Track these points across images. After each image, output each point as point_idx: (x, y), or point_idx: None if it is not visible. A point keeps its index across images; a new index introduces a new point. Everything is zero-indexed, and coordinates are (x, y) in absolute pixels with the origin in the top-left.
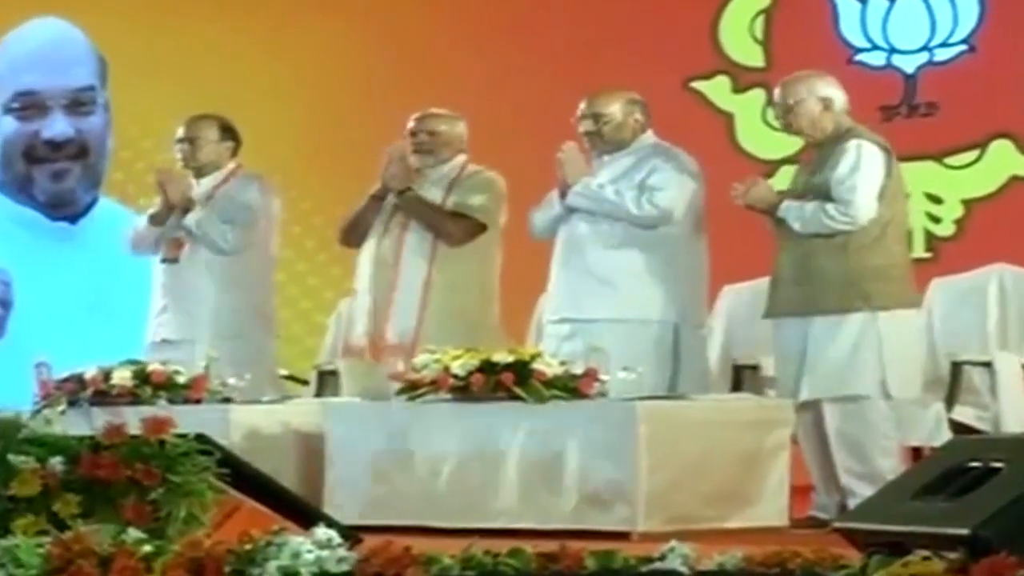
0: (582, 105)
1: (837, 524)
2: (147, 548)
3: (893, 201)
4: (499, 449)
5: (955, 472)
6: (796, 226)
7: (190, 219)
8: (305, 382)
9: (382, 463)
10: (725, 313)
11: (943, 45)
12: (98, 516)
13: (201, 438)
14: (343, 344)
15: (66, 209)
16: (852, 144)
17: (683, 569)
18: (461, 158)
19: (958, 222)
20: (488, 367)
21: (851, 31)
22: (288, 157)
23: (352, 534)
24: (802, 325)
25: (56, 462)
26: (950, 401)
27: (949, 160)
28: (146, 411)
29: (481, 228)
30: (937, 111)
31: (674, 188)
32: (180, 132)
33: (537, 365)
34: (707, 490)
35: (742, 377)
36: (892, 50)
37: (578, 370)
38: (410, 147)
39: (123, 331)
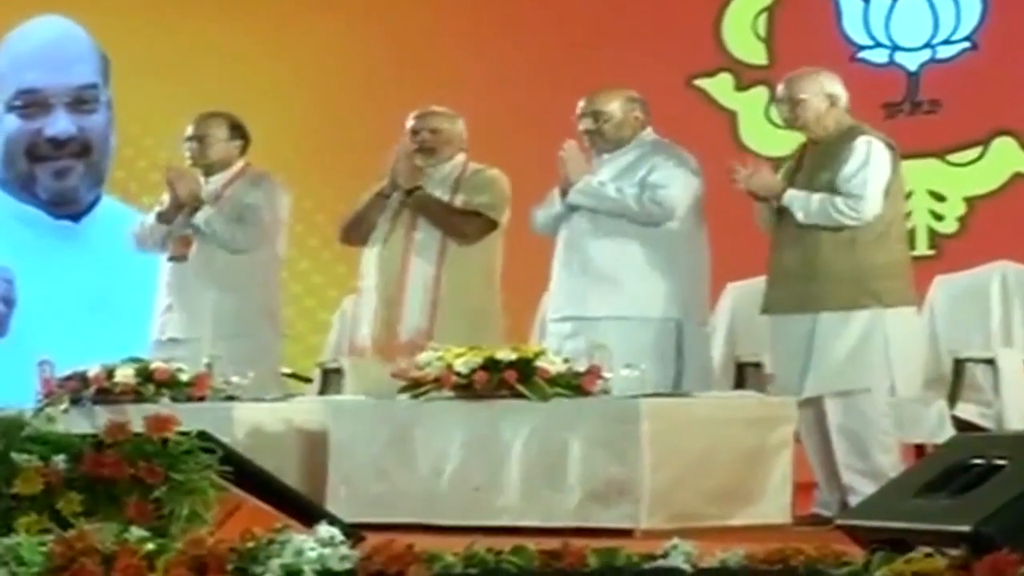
0: (582, 103)
1: (840, 521)
2: (150, 546)
3: (896, 199)
4: (502, 447)
5: (958, 469)
6: (799, 216)
7: (199, 217)
8: (308, 380)
9: (385, 461)
10: (728, 310)
11: (946, 42)
12: (101, 514)
13: (204, 436)
14: (349, 343)
15: (68, 207)
16: (862, 141)
17: (685, 566)
18: (461, 157)
19: (961, 219)
20: (491, 365)
21: (854, 28)
22: (290, 155)
23: (354, 532)
24: (806, 321)
25: (59, 460)
26: (953, 398)
27: (952, 157)
28: (149, 409)
29: (493, 226)
30: (940, 108)
31: (675, 185)
32: (189, 130)
33: (540, 363)
34: (710, 487)
35: (745, 374)
36: (895, 47)
37: (581, 368)
38: (412, 145)
39: (126, 329)
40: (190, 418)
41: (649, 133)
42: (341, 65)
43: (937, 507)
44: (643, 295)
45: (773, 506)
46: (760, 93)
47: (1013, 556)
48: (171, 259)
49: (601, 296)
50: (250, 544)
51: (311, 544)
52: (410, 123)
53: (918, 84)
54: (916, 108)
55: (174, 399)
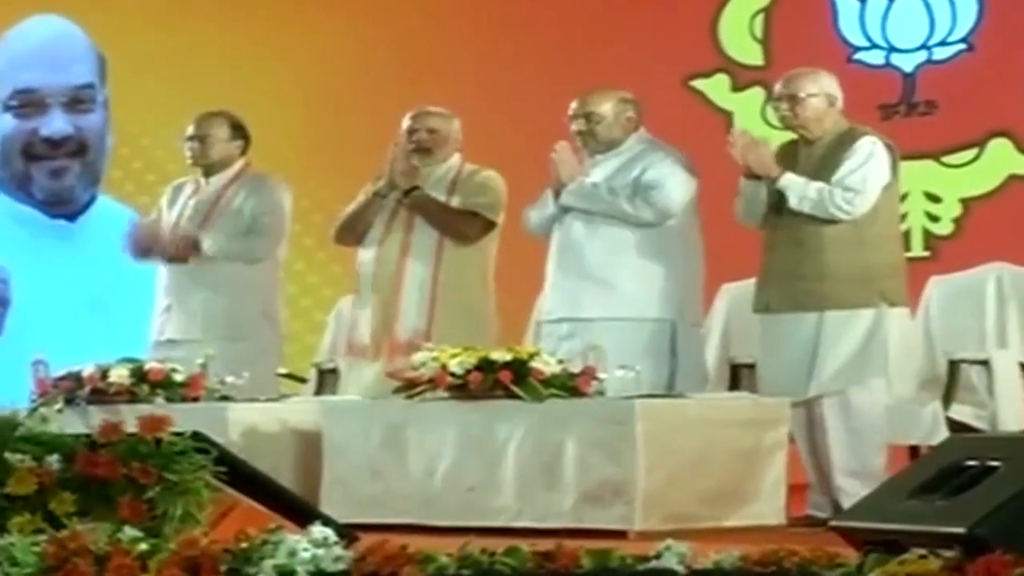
0: (574, 104)
1: (834, 523)
2: (143, 546)
3: (895, 200)
4: (496, 447)
5: (952, 471)
6: (792, 200)
7: (207, 247)
8: (304, 380)
9: (379, 461)
10: (723, 311)
11: (942, 44)
12: (94, 514)
13: (198, 436)
14: (346, 343)
15: (64, 207)
16: (867, 141)
17: (679, 568)
18: (456, 157)
19: (956, 221)
20: (486, 365)
21: (850, 30)
22: (287, 155)
23: (348, 532)
24: (810, 320)
25: (52, 460)
26: (947, 399)
27: (948, 159)
28: (143, 409)
29: (491, 226)
30: (936, 110)
31: (669, 185)
32: (190, 130)
33: (535, 363)
34: (704, 488)
35: (739, 375)
36: (891, 49)
37: (576, 369)
38: (409, 145)
39: (121, 329)
40: (184, 418)
41: (642, 134)
42: (339, 65)
43: (931, 509)
44: (637, 296)
45: (767, 507)
46: (756, 94)
47: (1007, 557)
48: (170, 260)
49: (595, 297)
50: (243, 545)
51: (305, 545)
52: (406, 123)
53: (914, 85)
54: (912, 109)
55: (168, 399)
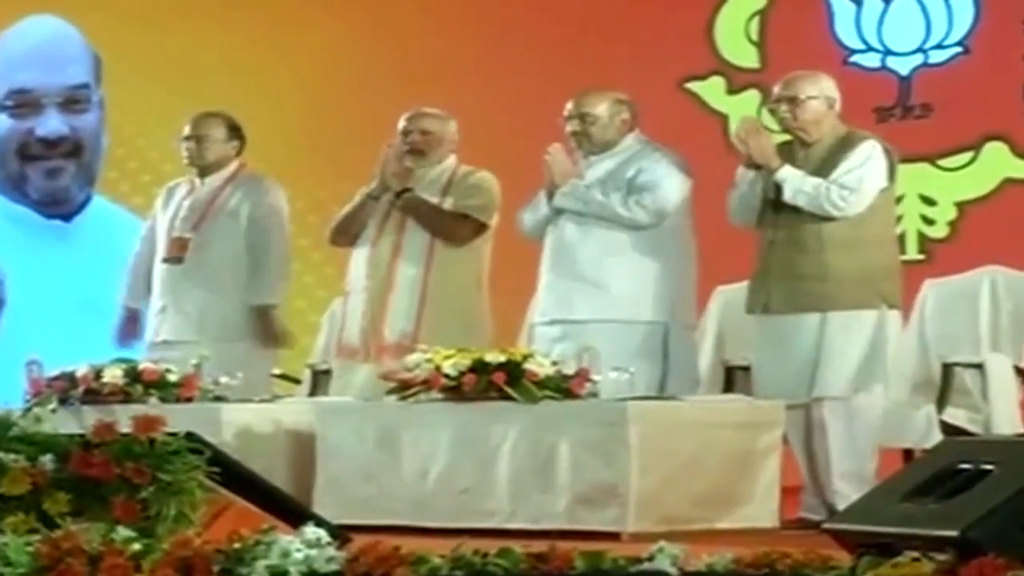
0: (569, 105)
1: (827, 525)
2: (136, 547)
3: (891, 204)
4: (490, 449)
5: (945, 474)
6: (787, 193)
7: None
8: (298, 381)
9: (372, 463)
10: (717, 314)
11: (938, 47)
12: (88, 515)
13: (191, 437)
14: (336, 344)
15: (60, 207)
16: (867, 144)
17: (672, 570)
18: (452, 159)
19: (951, 224)
20: (480, 367)
21: (846, 33)
22: (283, 156)
23: (341, 533)
24: (813, 322)
25: (46, 460)
26: (941, 403)
27: (943, 162)
28: (137, 409)
29: (483, 228)
30: (931, 113)
31: (663, 188)
32: (187, 130)
33: (529, 365)
34: (698, 491)
35: (734, 378)
36: (887, 52)
37: (570, 370)
38: (403, 147)
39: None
40: (178, 419)
41: (637, 135)
42: (335, 64)
43: (925, 512)
44: (630, 298)
45: (760, 510)
46: (752, 96)
47: (999, 561)
48: (166, 261)
49: (588, 299)
50: (236, 545)
51: (298, 545)
52: (401, 124)
53: (910, 89)
54: (908, 113)
55: (162, 400)
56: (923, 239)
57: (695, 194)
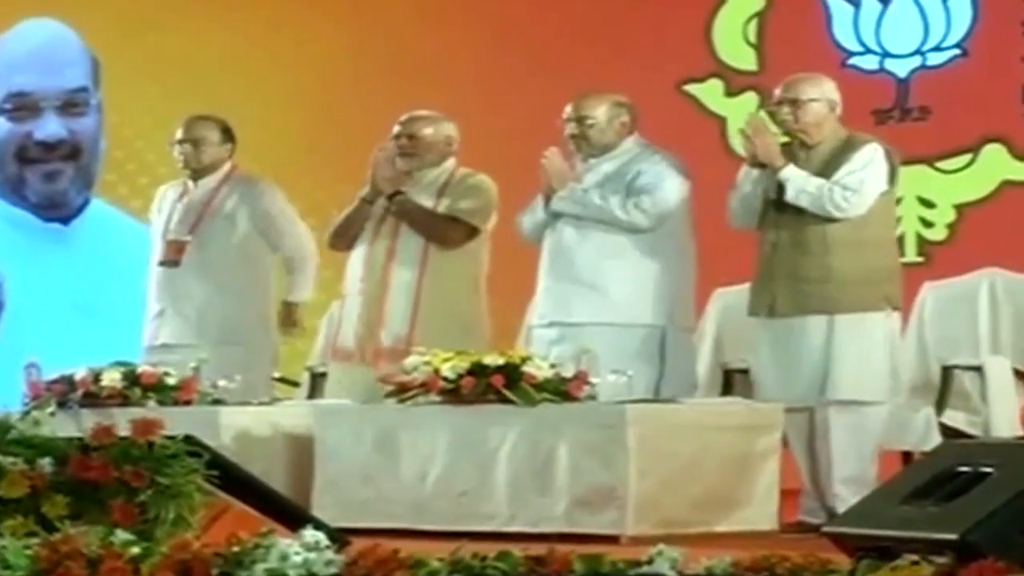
0: (568, 108)
1: (826, 528)
2: (135, 550)
3: (892, 207)
4: (488, 452)
5: (945, 477)
6: (790, 193)
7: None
8: (297, 384)
9: (371, 466)
10: (716, 316)
11: (936, 49)
12: (86, 518)
13: (190, 440)
14: (332, 347)
15: (58, 210)
16: (869, 147)
17: (671, 573)
18: (450, 162)
19: (950, 226)
20: (478, 370)
21: (844, 35)
22: (281, 158)
23: (340, 537)
24: (819, 324)
25: (45, 463)
26: (940, 405)
27: (941, 164)
28: (135, 413)
29: (474, 232)
30: (930, 115)
31: (662, 191)
32: (180, 134)
33: (527, 368)
34: (696, 494)
35: (732, 380)
36: (885, 54)
37: (568, 373)
38: (394, 150)
39: (114, 333)
40: (176, 422)
41: (636, 138)
42: (333, 68)
43: (924, 515)
44: (628, 301)
45: (759, 513)
46: (750, 99)
47: (999, 564)
48: (162, 264)
49: (585, 302)
50: (235, 548)
51: (296, 549)
52: (395, 128)
53: (908, 91)
54: (906, 115)
55: (161, 403)
56: (922, 241)
57: (693, 196)
